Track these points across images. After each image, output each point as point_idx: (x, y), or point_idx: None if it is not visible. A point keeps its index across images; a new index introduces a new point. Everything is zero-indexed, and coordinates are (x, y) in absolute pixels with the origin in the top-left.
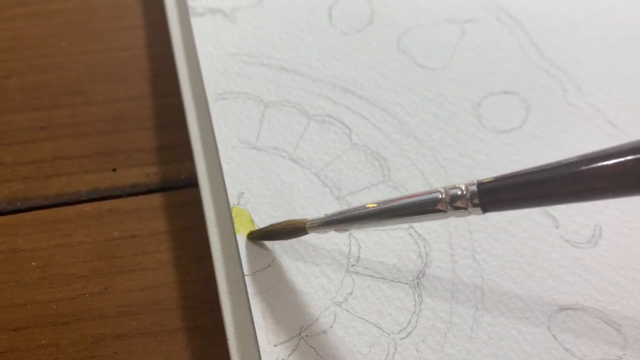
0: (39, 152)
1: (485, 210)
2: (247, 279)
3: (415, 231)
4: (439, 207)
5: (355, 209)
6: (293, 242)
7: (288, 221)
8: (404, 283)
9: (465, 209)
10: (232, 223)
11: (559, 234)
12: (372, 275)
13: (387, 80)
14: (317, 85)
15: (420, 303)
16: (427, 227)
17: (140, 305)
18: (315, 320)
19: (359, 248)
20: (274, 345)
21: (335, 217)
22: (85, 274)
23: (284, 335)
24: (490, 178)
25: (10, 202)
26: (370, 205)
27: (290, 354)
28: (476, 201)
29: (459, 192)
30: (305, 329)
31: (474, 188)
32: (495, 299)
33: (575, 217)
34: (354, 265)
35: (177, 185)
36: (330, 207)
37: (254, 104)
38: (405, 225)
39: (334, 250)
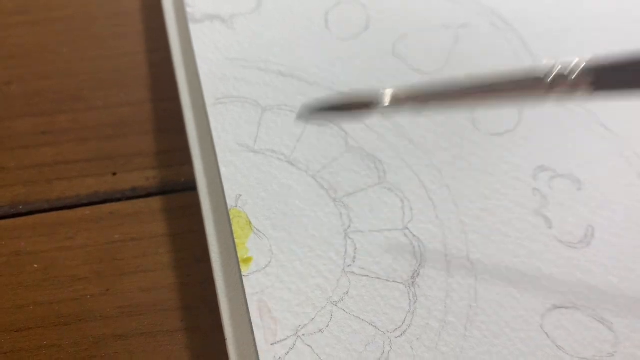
0: (40, 156)
1: (597, 88)
2: (244, 279)
3: (410, 232)
4: (541, 85)
5: (441, 85)
6: (290, 243)
7: (355, 94)
8: (399, 283)
9: (572, 88)
10: (230, 225)
11: (552, 234)
12: (367, 275)
13: (382, 84)
14: (314, 90)
15: (415, 302)
16: (422, 227)
17: (141, 306)
18: (312, 319)
19: (355, 249)
20: (271, 344)
21: (419, 91)
22: (87, 276)
23: (281, 334)
24: (603, 56)
25: (12, 206)
26: (461, 81)
27: (287, 352)
28: (588, 79)
29: (568, 68)
30: (301, 328)
31: (588, 64)
32: (489, 298)
33: (568, 217)
34: (350, 265)
35: (177, 189)
36: (327, 209)
37: (251, 108)
38: (400, 226)
39: (330, 251)
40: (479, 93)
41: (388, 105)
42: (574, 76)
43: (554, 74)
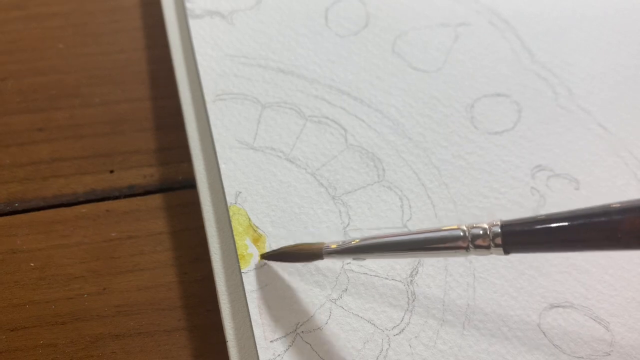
0: (36, 153)
1: (507, 251)
2: (244, 276)
3: (409, 230)
4: (460, 244)
5: (373, 239)
6: (289, 240)
7: (303, 245)
8: (397, 281)
9: (487, 248)
10: (230, 223)
11: None
12: (366, 273)
13: (382, 82)
14: (313, 87)
15: (414, 300)
16: (421, 226)
17: (138, 305)
18: (311, 316)
19: None
20: (271, 341)
21: (352, 246)
22: (83, 275)
23: (280, 331)
24: (515, 220)
25: (8, 204)
26: (390, 236)
27: (287, 349)
28: (498, 241)
29: (481, 232)
30: (301, 325)
31: (497, 229)
32: (487, 297)
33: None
34: (349, 263)
35: (174, 187)
36: (326, 207)
37: (251, 104)
38: (399, 224)
39: None
40: (406, 250)
41: (328, 257)
42: (486, 238)
43: (472, 233)
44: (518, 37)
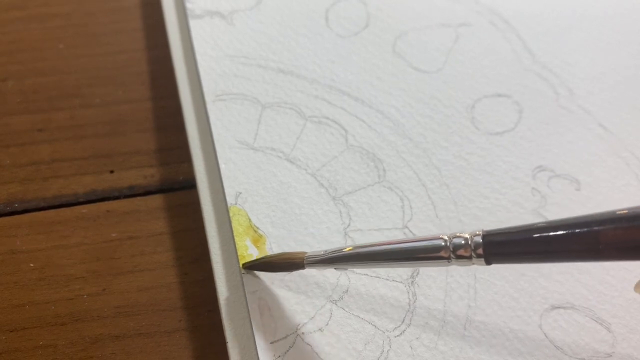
0: (36, 154)
1: (488, 262)
2: (244, 277)
3: (410, 231)
4: (442, 254)
5: (354, 249)
6: (289, 241)
7: (285, 254)
8: (398, 282)
9: (469, 258)
10: (230, 223)
11: None
12: (367, 274)
13: (382, 82)
14: (313, 87)
15: (415, 301)
16: (422, 227)
17: (138, 306)
18: (312, 317)
19: None
20: (271, 342)
21: (334, 256)
22: (83, 275)
23: (280, 332)
24: (496, 230)
25: (8, 204)
26: (371, 245)
27: (287, 351)
28: (480, 252)
29: (462, 241)
30: (301, 326)
31: (479, 239)
32: (488, 298)
33: (565, 217)
34: None
35: (175, 187)
36: (326, 207)
37: (251, 105)
38: (400, 225)
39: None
40: (387, 260)
41: (310, 267)
42: (468, 248)
43: (453, 243)
44: (519, 38)
